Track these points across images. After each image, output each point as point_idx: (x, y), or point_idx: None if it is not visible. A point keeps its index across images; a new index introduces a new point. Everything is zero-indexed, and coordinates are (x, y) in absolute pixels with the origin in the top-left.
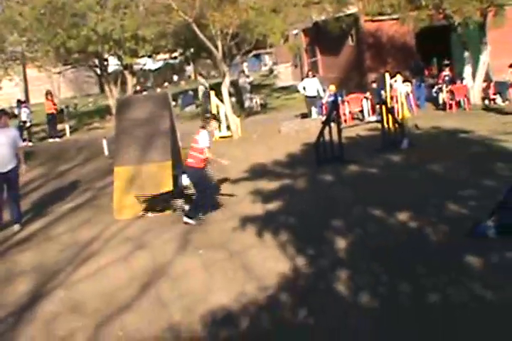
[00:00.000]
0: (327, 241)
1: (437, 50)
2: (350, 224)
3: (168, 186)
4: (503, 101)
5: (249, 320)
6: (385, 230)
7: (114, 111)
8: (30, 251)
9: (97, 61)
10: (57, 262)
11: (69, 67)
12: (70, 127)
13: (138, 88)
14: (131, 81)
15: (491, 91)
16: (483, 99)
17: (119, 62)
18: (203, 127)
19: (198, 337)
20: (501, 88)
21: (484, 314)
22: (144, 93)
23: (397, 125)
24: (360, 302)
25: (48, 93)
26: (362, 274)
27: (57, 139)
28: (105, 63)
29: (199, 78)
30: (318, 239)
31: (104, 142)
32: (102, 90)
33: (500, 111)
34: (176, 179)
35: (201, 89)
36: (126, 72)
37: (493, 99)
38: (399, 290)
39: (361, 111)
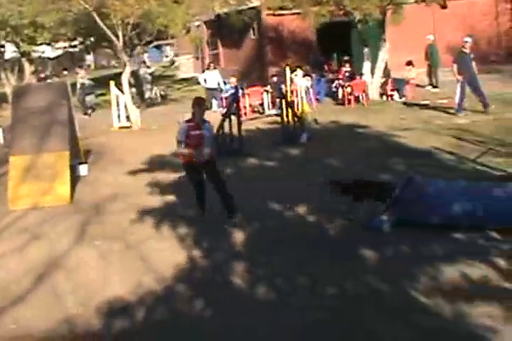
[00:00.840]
0: (224, 234)
1: (338, 45)
2: (249, 218)
3: (65, 176)
4: (400, 98)
5: (146, 311)
6: (283, 224)
7: (10, 99)
8: None
9: None
10: None
11: None
12: None
13: (42, 75)
14: (28, 69)
15: (389, 87)
16: (381, 94)
17: (16, 49)
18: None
19: (93, 330)
20: (399, 85)
21: (378, 306)
22: (48, 81)
23: (296, 119)
24: (256, 295)
25: None
26: (259, 267)
27: None
28: (1, 50)
29: (78, 70)
30: (215, 231)
31: (0, 130)
32: None
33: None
34: (73, 169)
35: (80, 82)
36: (23, 60)
37: (391, 95)
38: (297, 284)
39: (261, 105)
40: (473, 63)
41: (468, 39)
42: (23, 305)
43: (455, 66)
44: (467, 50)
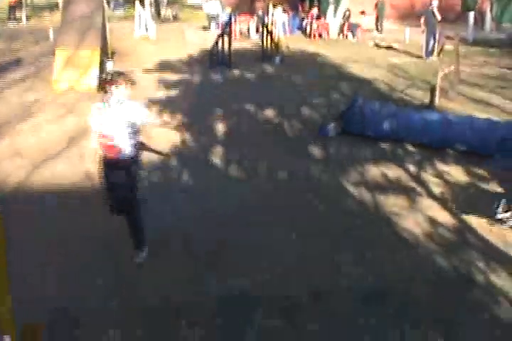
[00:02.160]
0: (209, 124)
1: None
2: (228, 113)
3: (95, 67)
4: (353, 37)
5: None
6: (253, 121)
7: (61, 7)
8: None
9: None
10: (5, 117)
11: None
12: (26, 16)
13: None
14: None
15: (346, 29)
16: (339, 34)
17: None
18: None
19: None
20: (353, 28)
21: (317, 192)
22: None
23: (273, 44)
24: (230, 173)
25: None
26: (234, 152)
27: (15, 23)
28: None
29: None
30: (203, 120)
31: (51, 30)
32: None
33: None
34: (102, 63)
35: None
36: None
37: (346, 35)
38: (259, 167)
39: (248, 30)
40: (437, 20)
41: (434, 2)
42: (57, 161)
43: (422, 19)
44: (433, 10)
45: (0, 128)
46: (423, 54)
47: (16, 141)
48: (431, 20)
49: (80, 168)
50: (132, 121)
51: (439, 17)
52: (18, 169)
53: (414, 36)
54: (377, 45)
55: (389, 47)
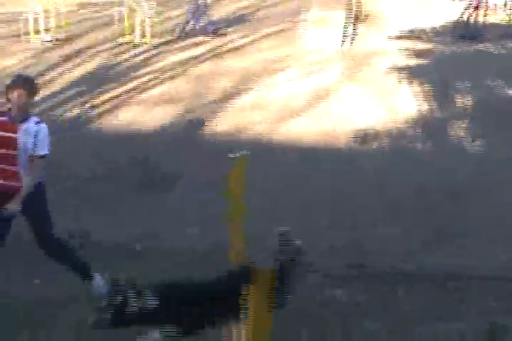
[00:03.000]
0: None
1: None
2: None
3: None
4: None
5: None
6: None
7: None
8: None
9: None
10: (248, 73)
11: None
12: None
13: None
14: None
15: None
16: None
17: None
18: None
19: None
20: None
21: None
22: None
23: None
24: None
25: None
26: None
27: None
28: None
29: None
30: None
31: None
32: None
33: None
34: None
35: None
36: None
37: None
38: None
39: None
40: None
41: None
42: (297, 118)
43: None
44: None
45: (243, 82)
46: None
47: (259, 95)
48: None
49: (319, 127)
50: (27, 146)
51: None
52: (259, 123)
53: None
54: None
55: None
